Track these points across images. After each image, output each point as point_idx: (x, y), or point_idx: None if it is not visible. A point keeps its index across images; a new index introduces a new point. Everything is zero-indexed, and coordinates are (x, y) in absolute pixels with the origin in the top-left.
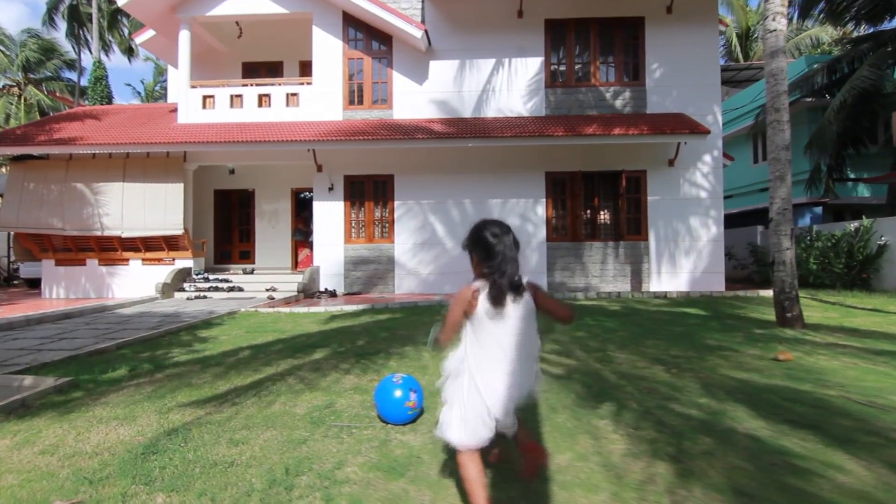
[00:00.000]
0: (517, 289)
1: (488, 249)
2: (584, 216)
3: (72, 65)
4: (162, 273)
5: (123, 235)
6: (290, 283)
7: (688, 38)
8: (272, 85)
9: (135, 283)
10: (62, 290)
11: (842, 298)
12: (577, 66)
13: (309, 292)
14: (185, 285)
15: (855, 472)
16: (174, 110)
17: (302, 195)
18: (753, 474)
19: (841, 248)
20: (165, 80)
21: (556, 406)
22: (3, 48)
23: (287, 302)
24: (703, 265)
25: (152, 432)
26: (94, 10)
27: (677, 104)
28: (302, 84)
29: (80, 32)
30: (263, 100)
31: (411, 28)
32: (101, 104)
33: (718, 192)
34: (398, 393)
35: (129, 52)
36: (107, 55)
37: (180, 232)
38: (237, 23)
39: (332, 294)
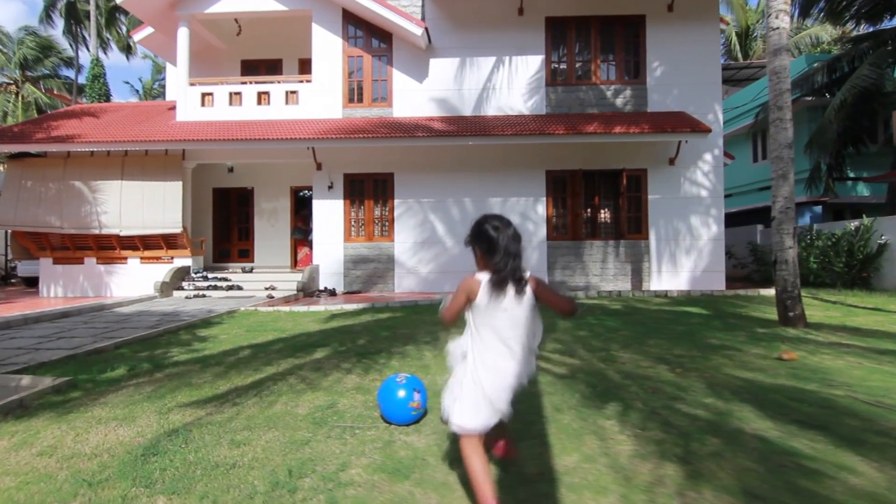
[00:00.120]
0: (519, 281)
1: (490, 242)
2: (585, 215)
3: (70, 62)
4: (160, 272)
5: (122, 234)
6: (289, 281)
7: (689, 36)
8: (271, 83)
9: (133, 282)
10: (60, 288)
11: (842, 297)
12: (577, 64)
13: (308, 291)
14: (184, 284)
15: (866, 473)
16: (173, 108)
17: (301, 193)
18: (764, 476)
19: (841, 247)
20: (164, 78)
21: (561, 406)
22: (0, 46)
23: (287, 301)
24: (703, 264)
25: (152, 433)
26: (91, 8)
27: (678, 103)
28: (301, 82)
29: (78, 30)
30: (263, 97)
31: (411, 25)
32: (99, 102)
33: (719, 191)
34: (402, 393)
35: (128, 49)
36: (105, 53)
37: (179, 230)
38: (236, 20)
39: (332, 293)
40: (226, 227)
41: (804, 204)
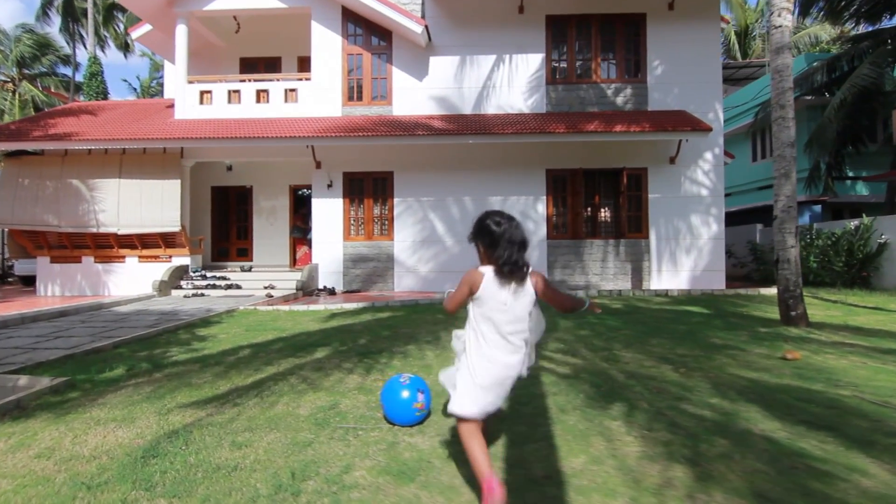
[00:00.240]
0: (520, 275)
1: (492, 237)
2: (585, 214)
3: (67, 60)
4: (159, 270)
5: (120, 232)
6: (288, 280)
7: (689, 34)
8: (270, 80)
9: (131, 281)
10: (57, 287)
11: (843, 297)
12: (578, 63)
13: (308, 290)
14: (183, 283)
15: (878, 475)
16: (171, 106)
17: (300, 192)
18: (774, 478)
19: (841, 246)
20: (161, 76)
21: (566, 407)
22: None
23: (286, 300)
24: (703, 263)
25: (152, 434)
26: (89, 5)
27: (678, 101)
28: (301, 80)
29: (75, 28)
30: (262, 95)
31: (411, 23)
32: (97, 100)
33: (719, 190)
34: (406, 394)
35: (125, 47)
36: (102, 51)
37: (177, 229)
38: (235, 17)
39: (331, 292)
40: (224, 225)
41: (803, 203)
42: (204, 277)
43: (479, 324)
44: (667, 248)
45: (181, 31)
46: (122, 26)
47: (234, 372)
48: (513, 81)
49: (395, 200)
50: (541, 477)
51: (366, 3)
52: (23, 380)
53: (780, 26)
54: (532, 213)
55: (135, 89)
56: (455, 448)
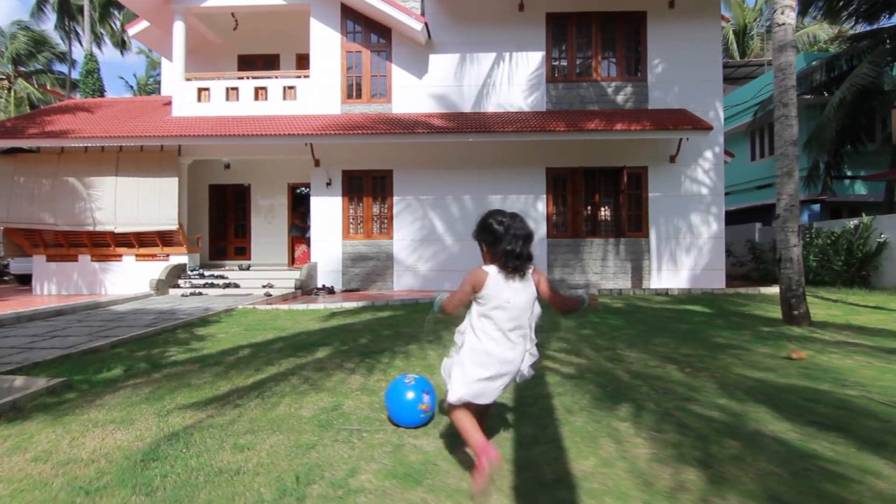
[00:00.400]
0: (523, 268)
1: (494, 234)
2: (585, 212)
3: (63, 57)
4: (156, 269)
5: (116, 231)
6: (287, 279)
7: (690, 33)
8: (269, 78)
9: (128, 280)
10: (54, 286)
11: (843, 296)
12: (578, 61)
13: (306, 289)
14: (180, 282)
15: (893, 477)
16: (168, 103)
17: (298, 190)
18: (788, 480)
19: (840, 245)
20: (158, 74)
21: (573, 408)
22: None
23: (285, 299)
24: (703, 262)
25: (152, 437)
26: (85, 2)
27: (679, 100)
28: (299, 77)
29: (71, 25)
30: (260, 93)
31: (411, 21)
32: (93, 97)
33: (719, 189)
34: (411, 395)
35: (122, 44)
36: (99, 48)
37: (175, 227)
38: (233, 14)
39: (330, 291)
40: (222, 224)
41: (802, 202)
42: (202, 276)
43: (480, 321)
44: (667, 246)
45: (179, 28)
46: (118, 23)
47: (235, 372)
48: (513, 79)
49: (395, 199)
50: (551, 480)
51: (365, 0)
52: (19, 380)
53: (783, 24)
54: (532, 211)
55: (131, 87)
56: (462, 450)
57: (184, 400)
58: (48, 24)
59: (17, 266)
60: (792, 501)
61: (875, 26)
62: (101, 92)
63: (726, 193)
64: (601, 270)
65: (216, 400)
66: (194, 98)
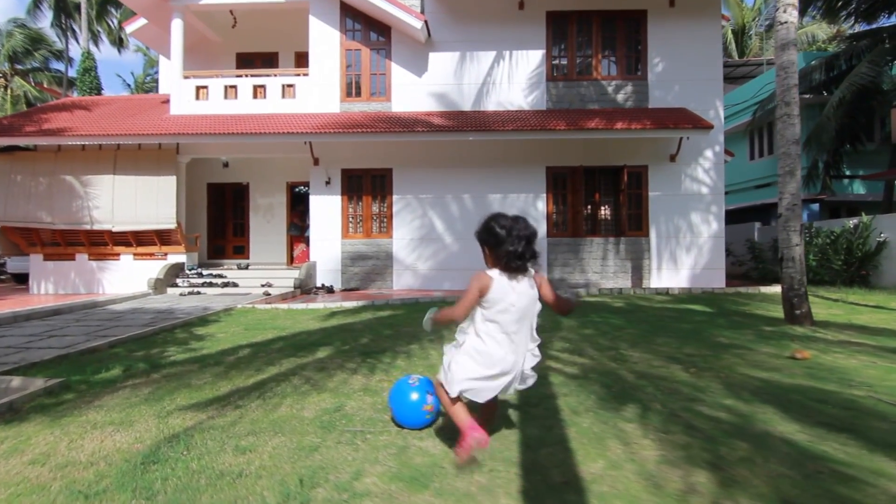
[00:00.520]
0: (525, 267)
1: (497, 237)
2: (585, 211)
3: (60, 55)
4: (154, 268)
5: (114, 229)
6: (285, 278)
7: (690, 32)
8: (268, 76)
9: (126, 279)
10: (51, 285)
11: (843, 295)
12: (578, 60)
13: (305, 288)
14: (178, 281)
15: None
16: (166, 101)
17: (297, 189)
18: (800, 483)
19: (840, 244)
20: (156, 72)
21: (578, 408)
22: None
23: (284, 298)
24: (703, 261)
25: (151, 439)
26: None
27: (679, 99)
28: (298, 75)
29: (68, 22)
30: (259, 91)
31: (411, 18)
32: (91, 96)
33: (720, 188)
34: (415, 396)
35: (119, 42)
36: (96, 46)
37: (173, 226)
38: (231, 12)
39: (330, 290)
40: (221, 222)
41: (802, 202)
42: (200, 275)
43: (484, 325)
44: (667, 246)
45: (177, 26)
46: (115, 21)
47: (235, 372)
48: (513, 78)
49: (394, 198)
50: (559, 483)
51: None
52: (16, 381)
53: (785, 22)
54: (532, 210)
55: (129, 85)
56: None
57: (184, 401)
58: (44, 22)
59: (13, 265)
60: None
61: (874, 26)
62: (98, 90)
63: (725, 193)
64: (601, 270)
65: (217, 401)
66: (192, 96)
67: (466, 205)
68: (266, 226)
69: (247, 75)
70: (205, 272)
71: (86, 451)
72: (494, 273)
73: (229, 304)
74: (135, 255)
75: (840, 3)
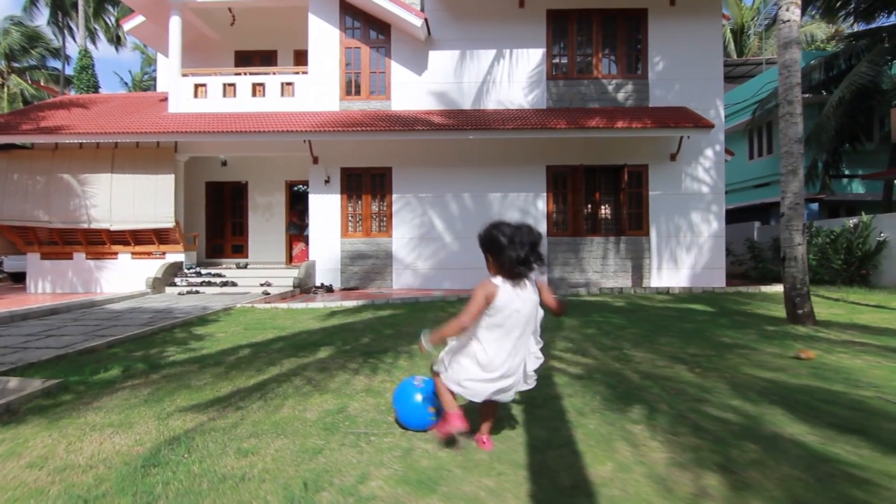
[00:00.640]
0: (527, 275)
1: (499, 245)
2: (586, 211)
3: (57, 53)
4: (152, 267)
5: (112, 228)
6: (285, 277)
7: (691, 31)
8: (266, 74)
9: (124, 278)
10: (48, 284)
11: (844, 295)
12: (579, 58)
13: (305, 287)
14: (177, 280)
15: None
16: (164, 99)
17: (296, 188)
18: (813, 486)
19: (840, 244)
20: (154, 71)
21: (584, 409)
22: None
23: (283, 297)
24: (703, 261)
25: (152, 441)
26: None
27: (679, 98)
28: (297, 73)
29: (64, 20)
30: (257, 89)
31: (411, 17)
32: (88, 94)
33: (720, 187)
34: (419, 397)
35: (117, 40)
36: (93, 44)
37: (171, 225)
38: (230, 9)
39: (329, 289)
40: (219, 221)
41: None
42: (199, 274)
43: (489, 332)
44: (667, 245)
45: (175, 23)
46: (112, 19)
47: (235, 373)
48: (513, 76)
49: (394, 197)
50: (568, 486)
51: None
52: (13, 382)
53: (788, 21)
54: (532, 209)
55: (126, 84)
56: (476, 456)
57: (184, 402)
58: (41, 20)
59: (10, 264)
60: None
61: (872, 25)
62: (95, 88)
63: (724, 192)
64: (601, 269)
65: (217, 402)
66: (191, 94)
67: (466, 204)
68: (265, 225)
69: (245, 73)
70: (203, 271)
71: (85, 453)
72: (499, 280)
73: (228, 303)
74: (133, 254)
75: (839, 3)
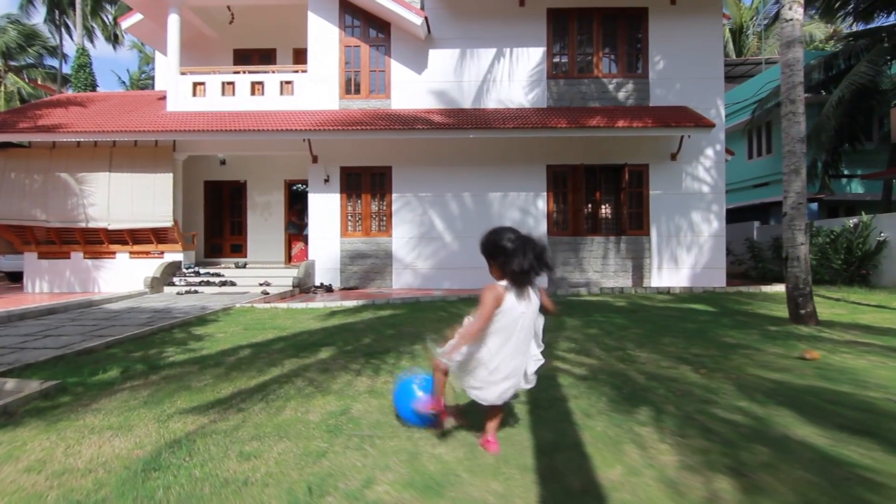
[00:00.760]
0: (533, 283)
1: (505, 251)
2: (586, 210)
3: (54, 52)
4: (150, 267)
5: (110, 227)
6: (284, 277)
7: (691, 30)
8: (266, 72)
9: (122, 277)
10: (45, 283)
11: (845, 295)
12: (579, 57)
13: (304, 287)
14: (175, 279)
15: None
16: (163, 98)
17: (295, 187)
18: (827, 490)
19: (840, 244)
20: (151, 69)
21: (590, 411)
22: None
23: (282, 297)
24: (704, 260)
25: (152, 444)
26: None
27: (680, 97)
28: (297, 72)
29: (61, 18)
30: (256, 88)
31: (411, 15)
32: (85, 92)
33: (720, 187)
34: (421, 395)
35: (114, 39)
36: (91, 42)
37: (169, 224)
38: (229, 7)
39: (328, 289)
40: (218, 221)
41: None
42: (197, 274)
43: (494, 336)
44: (668, 245)
45: (173, 21)
46: (110, 17)
47: (236, 374)
48: (513, 75)
49: (394, 196)
50: (579, 490)
51: None
52: (10, 383)
53: (790, 19)
54: (532, 209)
55: (124, 83)
56: (483, 459)
57: (184, 404)
58: (37, 18)
59: (7, 263)
60: None
61: (870, 25)
62: (93, 87)
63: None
64: (602, 269)
65: (218, 403)
66: (189, 92)
67: (466, 203)
68: (264, 224)
69: (244, 72)
70: (202, 271)
71: (83, 457)
72: (505, 284)
73: (227, 303)
74: (131, 253)
75: (838, 4)
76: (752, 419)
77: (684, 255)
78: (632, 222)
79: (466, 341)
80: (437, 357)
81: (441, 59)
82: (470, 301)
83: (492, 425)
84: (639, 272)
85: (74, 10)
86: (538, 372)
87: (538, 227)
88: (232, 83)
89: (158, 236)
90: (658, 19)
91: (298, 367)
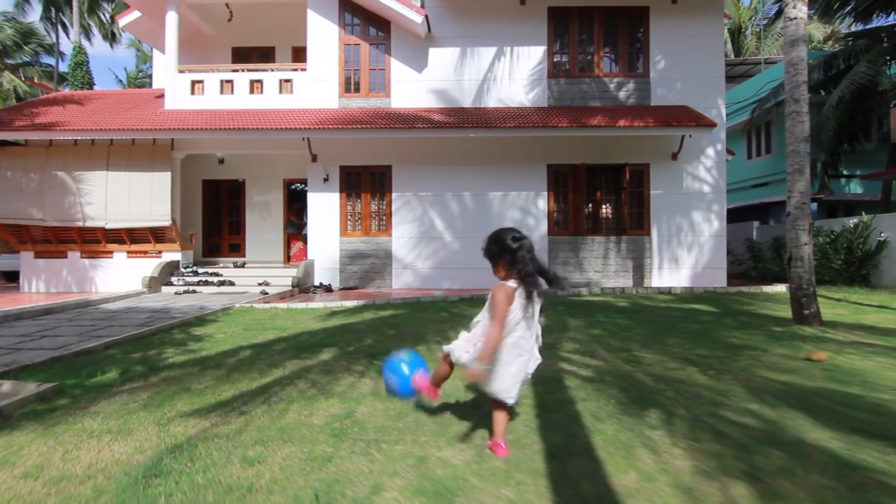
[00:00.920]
0: (539, 286)
1: (512, 252)
2: (587, 210)
3: (50, 50)
4: (148, 266)
5: (107, 226)
6: (283, 277)
7: (692, 29)
8: (265, 71)
9: (119, 277)
10: (42, 283)
11: (846, 295)
12: (580, 56)
13: (303, 287)
14: (173, 279)
15: None
16: (161, 96)
17: (294, 186)
18: (846, 496)
19: (840, 244)
20: (149, 68)
21: (600, 414)
22: None
23: (282, 297)
24: (704, 260)
25: (153, 449)
26: None
27: (681, 97)
28: (296, 70)
29: (58, 16)
30: (255, 86)
31: (411, 13)
32: (82, 91)
33: (721, 187)
34: (406, 369)
35: (112, 37)
36: (88, 40)
37: (167, 223)
38: (227, 5)
39: (328, 289)
40: (216, 220)
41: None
42: (195, 273)
43: (508, 337)
44: (668, 244)
45: (171, 19)
46: (107, 15)
47: (237, 375)
48: (514, 74)
49: (394, 195)
50: (593, 497)
51: None
52: (6, 385)
53: (794, 18)
54: (532, 209)
55: (121, 81)
56: (492, 464)
57: (185, 407)
58: (34, 16)
59: (3, 262)
60: None
61: (869, 26)
62: (90, 85)
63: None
64: (602, 268)
65: (220, 406)
66: (187, 91)
67: (467, 203)
68: (262, 223)
69: (243, 70)
70: (200, 270)
71: (82, 462)
72: (513, 283)
73: (226, 303)
74: (128, 252)
75: (837, 4)
76: (764, 422)
77: (685, 255)
78: (632, 222)
79: (493, 348)
80: (468, 366)
81: (441, 58)
82: (471, 301)
83: (500, 428)
84: (639, 272)
85: (71, 7)
86: (537, 372)
87: (539, 226)
88: (231, 81)
89: (156, 235)
90: (659, 18)
91: (300, 369)
